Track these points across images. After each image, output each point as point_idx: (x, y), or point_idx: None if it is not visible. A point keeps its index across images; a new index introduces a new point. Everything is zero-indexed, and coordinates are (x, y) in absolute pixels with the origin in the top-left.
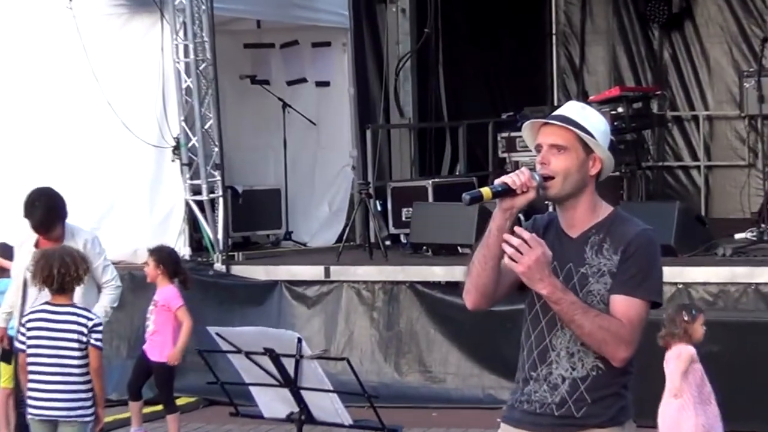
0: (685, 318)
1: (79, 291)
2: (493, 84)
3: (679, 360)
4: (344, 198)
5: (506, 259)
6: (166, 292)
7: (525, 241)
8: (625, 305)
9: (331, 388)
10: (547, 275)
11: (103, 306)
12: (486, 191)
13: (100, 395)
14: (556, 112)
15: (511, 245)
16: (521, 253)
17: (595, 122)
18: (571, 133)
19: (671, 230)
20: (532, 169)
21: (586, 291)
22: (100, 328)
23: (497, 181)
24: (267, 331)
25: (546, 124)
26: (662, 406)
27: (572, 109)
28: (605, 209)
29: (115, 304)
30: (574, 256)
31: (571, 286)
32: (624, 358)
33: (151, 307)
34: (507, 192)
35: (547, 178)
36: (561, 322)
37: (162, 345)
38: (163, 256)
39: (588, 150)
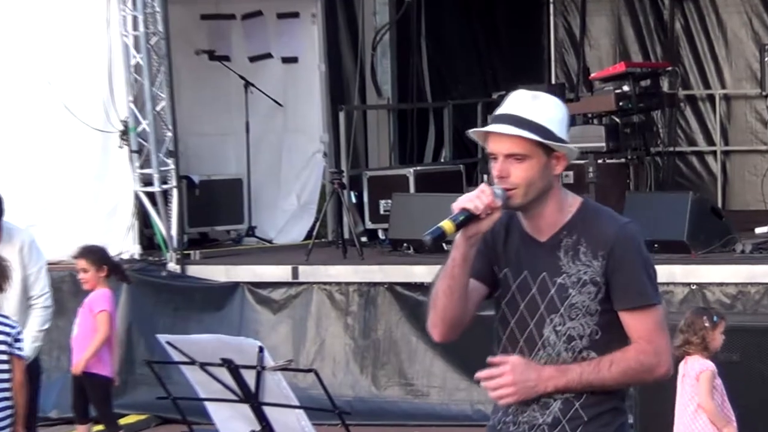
0: (706, 324)
1: (14, 300)
2: (482, 59)
3: (701, 383)
4: (314, 189)
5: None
6: (96, 294)
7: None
8: (638, 321)
9: (297, 404)
10: (536, 378)
11: (31, 333)
12: (448, 225)
13: (21, 412)
14: (505, 111)
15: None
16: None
17: (551, 113)
18: (527, 140)
19: (684, 224)
20: (493, 184)
21: (567, 305)
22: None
23: (456, 207)
24: (225, 340)
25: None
26: (678, 426)
27: (522, 103)
28: (572, 203)
29: (46, 326)
30: (548, 263)
31: (549, 298)
32: (665, 374)
33: (80, 313)
34: (470, 219)
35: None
36: (542, 339)
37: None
38: (100, 256)
39: (549, 149)
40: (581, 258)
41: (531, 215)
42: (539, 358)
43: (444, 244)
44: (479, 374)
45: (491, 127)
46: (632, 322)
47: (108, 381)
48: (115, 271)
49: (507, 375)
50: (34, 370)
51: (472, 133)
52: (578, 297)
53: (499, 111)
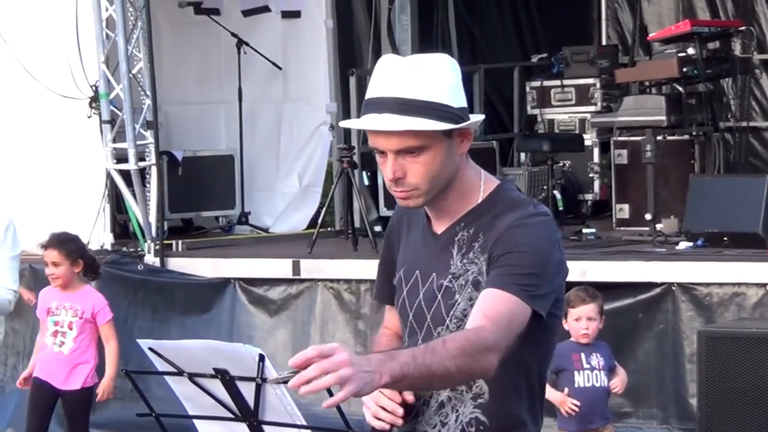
0: None
1: None
2: (520, 16)
3: None
4: (319, 168)
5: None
6: (93, 299)
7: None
8: (490, 297)
9: (303, 423)
10: (371, 365)
11: None
12: None
13: None
14: (382, 92)
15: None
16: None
17: (442, 81)
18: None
19: (759, 213)
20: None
21: (453, 315)
22: None
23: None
24: (218, 346)
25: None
26: None
27: (401, 77)
28: (485, 187)
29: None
30: (439, 262)
31: (435, 306)
32: (490, 367)
33: (62, 317)
34: None
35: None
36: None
37: (83, 367)
38: (77, 246)
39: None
40: (471, 256)
41: (431, 206)
42: (396, 386)
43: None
44: (294, 360)
45: (368, 123)
46: (484, 299)
47: (91, 397)
48: (91, 266)
49: (340, 354)
50: None
51: (348, 126)
52: (462, 304)
53: (373, 92)
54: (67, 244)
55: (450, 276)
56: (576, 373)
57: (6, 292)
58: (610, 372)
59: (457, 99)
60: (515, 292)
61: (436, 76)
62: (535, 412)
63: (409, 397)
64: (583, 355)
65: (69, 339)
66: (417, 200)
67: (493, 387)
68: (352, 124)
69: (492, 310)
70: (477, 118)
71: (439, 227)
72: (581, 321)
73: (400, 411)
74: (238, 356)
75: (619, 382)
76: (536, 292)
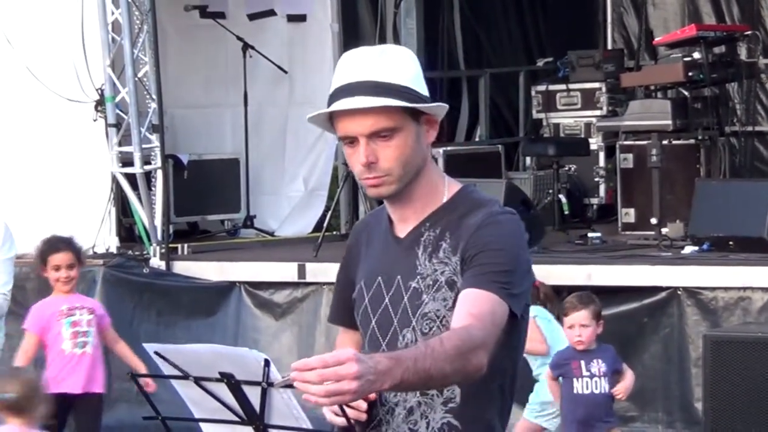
0: None
1: None
2: (526, 20)
3: None
4: (325, 172)
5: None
6: (92, 301)
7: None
8: (471, 297)
9: (309, 426)
10: (373, 369)
11: None
12: None
13: None
14: (351, 77)
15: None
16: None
17: (408, 69)
18: (394, 108)
19: (765, 217)
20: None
21: (420, 315)
22: None
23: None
24: (223, 351)
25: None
26: None
27: (369, 63)
28: (449, 188)
29: None
30: (404, 264)
31: (402, 308)
32: (481, 366)
33: (77, 317)
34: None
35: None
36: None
37: (99, 369)
38: (79, 247)
39: (417, 114)
40: (440, 255)
41: (399, 202)
42: (389, 391)
43: None
44: (297, 365)
45: (342, 105)
46: (466, 298)
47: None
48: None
49: (351, 364)
50: None
51: (313, 118)
52: (431, 305)
53: (342, 80)
54: (76, 245)
55: (418, 277)
56: (575, 380)
57: None
58: (616, 375)
59: (422, 87)
60: (494, 290)
61: (402, 63)
62: (504, 416)
63: (371, 395)
64: (582, 363)
65: (90, 337)
66: (389, 187)
67: (465, 390)
68: (323, 110)
69: (476, 309)
70: (441, 104)
71: (403, 230)
72: (574, 328)
73: (364, 405)
74: (243, 360)
75: (622, 388)
76: (512, 290)
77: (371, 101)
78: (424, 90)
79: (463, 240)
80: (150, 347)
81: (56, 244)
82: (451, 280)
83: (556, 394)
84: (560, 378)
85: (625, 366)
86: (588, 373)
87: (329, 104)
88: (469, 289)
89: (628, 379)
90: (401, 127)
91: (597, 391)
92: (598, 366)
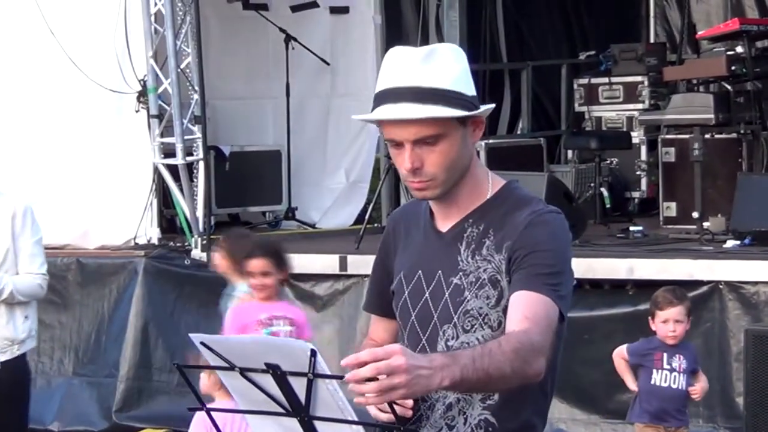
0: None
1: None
2: (568, 13)
3: None
4: (367, 164)
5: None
6: (296, 311)
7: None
8: (525, 299)
9: (355, 418)
10: (429, 366)
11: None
12: None
13: None
14: (396, 82)
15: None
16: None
17: (454, 69)
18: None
19: None
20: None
21: (462, 312)
22: None
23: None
24: (269, 341)
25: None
26: None
27: (414, 66)
28: (493, 184)
29: (29, 298)
30: (445, 259)
31: (443, 304)
32: (540, 370)
33: (278, 328)
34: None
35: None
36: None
37: None
38: (285, 253)
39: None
40: (484, 252)
41: (444, 201)
42: (450, 390)
43: None
44: (348, 360)
45: (386, 113)
46: (521, 301)
47: None
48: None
49: (397, 356)
50: (19, 372)
51: (363, 118)
52: (474, 302)
53: (387, 83)
54: (273, 248)
55: (460, 273)
56: (654, 371)
57: (34, 277)
58: (693, 374)
59: (469, 87)
60: (546, 292)
61: (448, 65)
62: (543, 414)
63: None
64: (665, 355)
65: None
66: (434, 191)
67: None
68: (369, 116)
69: (531, 312)
70: (488, 106)
71: (445, 224)
72: (669, 323)
73: (410, 402)
74: (289, 351)
75: (699, 388)
76: (561, 292)
77: (415, 111)
78: (470, 88)
79: (509, 239)
80: (196, 338)
81: (251, 248)
82: (495, 278)
83: (627, 376)
84: (638, 367)
85: (699, 368)
86: (668, 367)
87: (374, 105)
88: (522, 291)
89: (704, 380)
90: (445, 133)
91: (674, 386)
92: (680, 362)
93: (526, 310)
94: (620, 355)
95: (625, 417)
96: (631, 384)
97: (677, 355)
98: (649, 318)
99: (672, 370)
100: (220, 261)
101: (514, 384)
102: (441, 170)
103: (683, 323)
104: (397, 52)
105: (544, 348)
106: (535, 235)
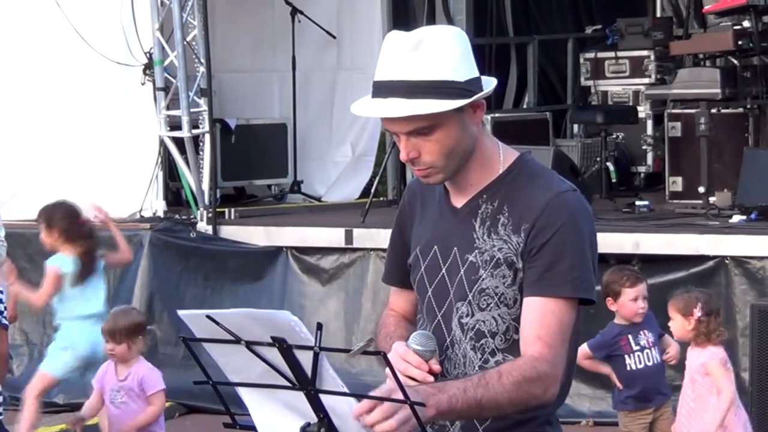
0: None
1: None
2: None
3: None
4: (372, 137)
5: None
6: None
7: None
8: (543, 315)
9: (347, 390)
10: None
11: None
12: None
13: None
14: (387, 75)
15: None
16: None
17: (447, 56)
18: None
19: None
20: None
21: (477, 290)
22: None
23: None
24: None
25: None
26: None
27: (404, 58)
28: (505, 158)
29: None
30: (460, 235)
31: (458, 280)
32: (554, 394)
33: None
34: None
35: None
36: (450, 336)
37: None
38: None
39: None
40: (500, 231)
41: (454, 180)
42: (448, 361)
43: None
44: (362, 407)
45: (374, 110)
46: (534, 313)
47: None
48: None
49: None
50: None
51: (356, 112)
52: (489, 281)
53: (379, 74)
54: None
55: (476, 251)
56: (627, 357)
57: None
58: (660, 339)
59: (464, 72)
60: (563, 291)
61: (440, 53)
62: (561, 399)
63: (436, 366)
64: (630, 337)
65: None
66: (436, 177)
67: None
68: (359, 112)
69: (545, 329)
70: (489, 84)
71: (459, 200)
72: (638, 300)
73: (431, 379)
74: (274, 323)
75: (672, 352)
76: (584, 283)
77: (403, 108)
78: (465, 73)
79: (526, 221)
80: (202, 313)
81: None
82: (510, 259)
83: (602, 369)
84: (607, 359)
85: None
86: (638, 347)
87: (372, 95)
88: (536, 298)
89: (674, 343)
90: (440, 123)
91: (650, 363)
92: (646, 337)
93: (540, 329)
94: (584, 355)
95: None
96: (612, 374)
97: (641, 332)
98: (608, 300)
99: (642, 348)
100: (45, 238)
101: (516, 412)
102: (439, 158)
103: (647, 298)
104: (391, 39)
105: (556, 375)
106: (554, 222)
